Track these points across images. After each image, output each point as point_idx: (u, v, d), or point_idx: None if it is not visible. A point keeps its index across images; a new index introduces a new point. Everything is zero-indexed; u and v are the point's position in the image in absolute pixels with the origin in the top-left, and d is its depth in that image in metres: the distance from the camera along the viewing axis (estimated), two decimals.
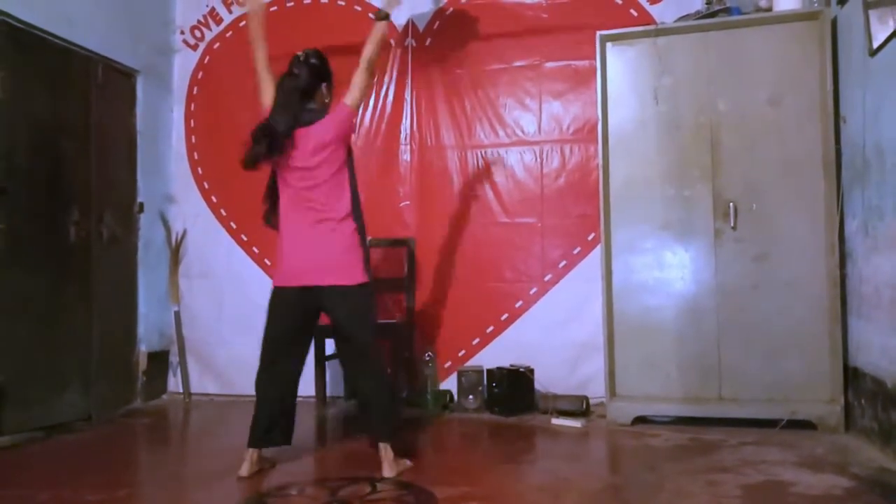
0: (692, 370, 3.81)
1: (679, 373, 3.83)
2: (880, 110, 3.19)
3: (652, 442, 3.51)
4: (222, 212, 5.01)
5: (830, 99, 3.64)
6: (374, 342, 3.12)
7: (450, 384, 4.45)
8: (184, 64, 5.13)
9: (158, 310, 4.91)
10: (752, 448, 3.30)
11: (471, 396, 4.28)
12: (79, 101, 4.29)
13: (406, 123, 4.73)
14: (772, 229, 3.73)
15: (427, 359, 4.34)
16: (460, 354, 4.56)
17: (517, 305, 4.50)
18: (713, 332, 3.79)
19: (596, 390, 4.11)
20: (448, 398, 4.35)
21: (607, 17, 4.34)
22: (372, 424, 3.12)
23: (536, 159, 4.52)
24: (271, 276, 4.79)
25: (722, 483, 2.80)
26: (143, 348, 4.76)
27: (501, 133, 4.59)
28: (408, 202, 4.70)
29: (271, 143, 3.00)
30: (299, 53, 3.16)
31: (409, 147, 4.72)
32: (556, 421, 3.93)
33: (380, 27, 3.20)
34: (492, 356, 4.41)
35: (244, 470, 3.05)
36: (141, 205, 4.79)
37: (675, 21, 4.04)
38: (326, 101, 3.21)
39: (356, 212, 3.15)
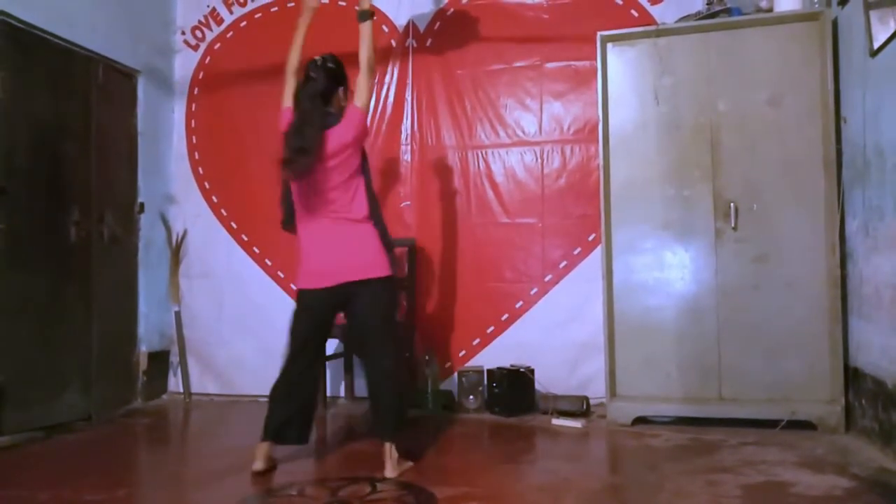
0: (692, 370, 3.81)
1: (679, 373, 3.83)
2: (880, 111, 3.19)
3: (652, 442, 3.51)
4: (223, 212, 5.01)
5: (831, 99, 3.64)
6: (392, 339, 3.13)
7: (450, 384, 4.45)
8: (184, 64, 5.13)
9: (159, 310, 4.91)
10: (753, 448, 3.30)
11: (471, 397, 4.28)
12: (79, 102, 4.29)
13: (407, 124, 4.74)
14: (772, 229, 3.73)
15: (427, 359, 4.33)
16: (461, 355, 4.56)
17: (517, 306, 4.51)
18: (713, 333, 3.79)
19: (596, 390, 4.12)
20: (448, 398, 4.35)
21: (608, 17, 4.34)
22: (379, 422, 3.12)
23: (537, 160, 4.52)
24: (272, 277, 4.90)
25: (722, 483, 2.80)
26: (143, 348, 4.77)
27: (502, 133, 4.59)
28: (408, 202, 4.70)
29: (307, 159, 3.01)
30: (316, 58, 3.18)
31: (409, 147, 4.72)
32: (557, 421, 3.93)
33: (365, 28, 3.19)
34: (492, 356, 4.42)
35: (258, 465, 3.08)
36: (141, 205, 4.80)
37: (676, 21, 4.04)
38: (343, 104, 3.22)
39: (375, 215, 3.19)
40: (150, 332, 4.82)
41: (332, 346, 4.44)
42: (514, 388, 4.17)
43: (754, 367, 3.71)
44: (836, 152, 3.63)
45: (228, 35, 5.08)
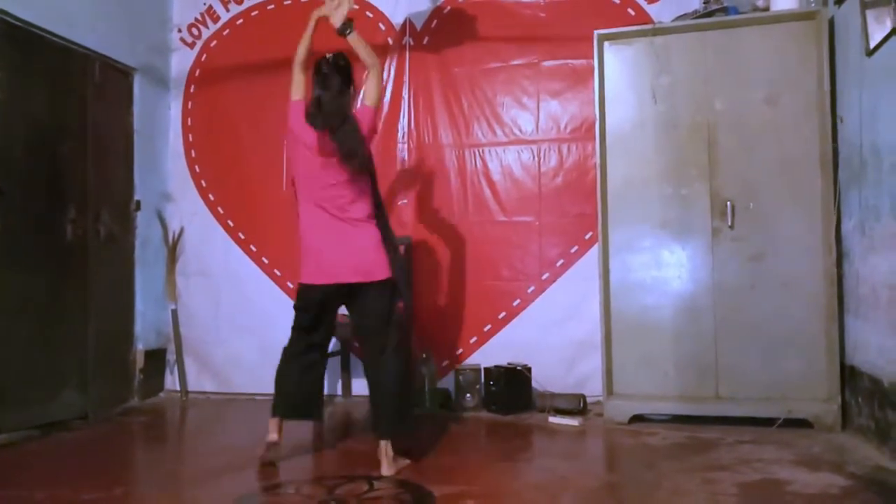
0: (689, 369, 3.82)
1: (676, 371, 3.84)
2: (877, 110, 3.20)
3: (649, 440, 3.52)
4: (219, 210, 5.01)
5: (827, 98, 3.65)
6: (393, 340, 3.12)
7: (447, 382, 4.45)
8: (181, 62, 5.11)
9: (155, 308, 4.90)
10: (749, 446, 3.31)
11: (468, 395, 4.28)
12: (76, 100, 4.28)
13: (403, 122, 4.73)
14: (769, 228, 3.74)
15: (424, 357, 4.34)
16: (458, 353, 4.56)
17: (515, 304, 4.51)
18: (710, 331, 3.79)
19: (593, 389, 4.12)
20: (445, 396, 4.35)
21: (605, 16, 4.35)
22: (375, 421, 3.13)
23: (534, 158, 4.52)
24: (268, 274, 4.89)
25: (718, 481, 2.80)
26: (140, 346, 4.76)
27: (499, 132, 4.59)
28: (405, 201, 4.70)
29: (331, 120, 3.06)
30: (327, 55, 3.18)
31: (406, 146, 4.72)
32: (554, 419, 3.94)
33: (350, 40, 3.21)
34: (489, 355, 4.42)
35: (272, 436, 3.16)
36: (138, 203, 4.79)
37: (673, 20, 4.04)
38: (352, 101, 3.24)
39: (380, 214, 3.21)
40: (146, 330, 4.81)
41: (331, 345, 4.44)
42: (511, 386, 4.17)
43: (751, 366, 3.72)
44: (833, 151, 3.64)
45: (225, 33, 5.07)
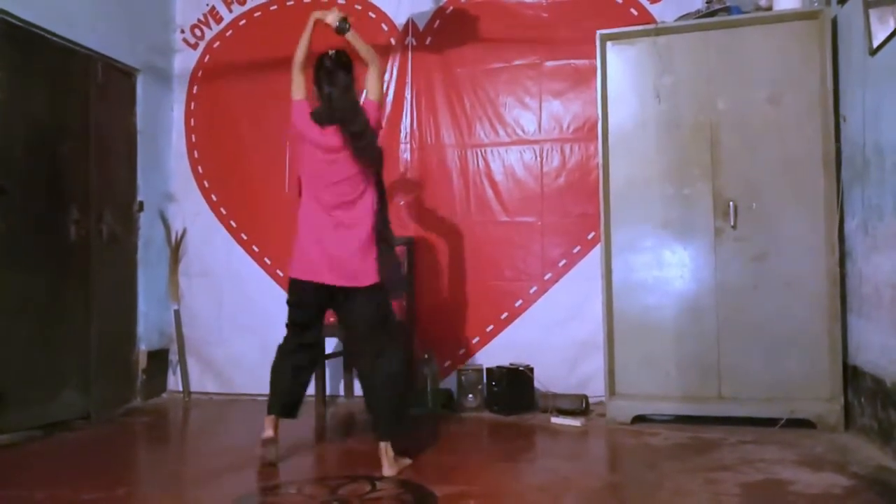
0: (692, 369, 3.81)
1: (679, 371, 3.83)
2: (880, 109, 3.19)
3: (651, 441, 3.51)
4: (222, 210, 5.01)
5: (830, 98, 3.64)
6: (386, 342, 3.12)
7: (449, 383, 4.45)
8: (184, 63, 5.12)
9: (158, 308, 4.91)
10: (752, 447, 3.30)
11: (470, 395, 4.28)
12: (78, 100, 4.28)
13: (406, 122, 4.73)
14: (772, 228, 3.73)
15: (427, 357, 4.33)
16: (460, 353, 4.56)
17: (517, 304, 4.50)
18: (713, 331, 3.78)
19: (595, 389, 4.11)
20: (448, 397, 4.35)
21: (607, 16, 4.35)
22: (374, 423, 3.13)
23: (536, 158, 4.52)
24: (271, 275, 4.89)
25: (721, 481, 2.80)
26: (142, 347, 4.76)
27: (501, 132, 4.59)
28: (407, 201, 4.69)
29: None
30: (330, 52, 3.19)
31: (408, 146, 4.72)
32: (556, 420, 3.93)
33: (349, 38, 3.21)
34: (491, 355, 4.42)
35: (268, 433, 3.16)
36: (141, 203, 4.79)
37: (676, 20, 4.04)
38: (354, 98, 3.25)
39: (381, 210, 3.20)
40: (149, 330, 4.82)
41: (331, 345, 4.45)
42: (514, 386, 4.17)
43: (753, 366, 3.71)
44: (836, 151, 3.63)
45: (228, 34, 5.08)
